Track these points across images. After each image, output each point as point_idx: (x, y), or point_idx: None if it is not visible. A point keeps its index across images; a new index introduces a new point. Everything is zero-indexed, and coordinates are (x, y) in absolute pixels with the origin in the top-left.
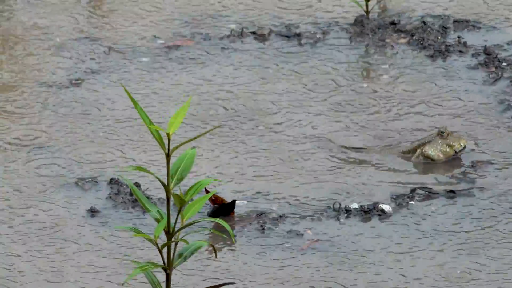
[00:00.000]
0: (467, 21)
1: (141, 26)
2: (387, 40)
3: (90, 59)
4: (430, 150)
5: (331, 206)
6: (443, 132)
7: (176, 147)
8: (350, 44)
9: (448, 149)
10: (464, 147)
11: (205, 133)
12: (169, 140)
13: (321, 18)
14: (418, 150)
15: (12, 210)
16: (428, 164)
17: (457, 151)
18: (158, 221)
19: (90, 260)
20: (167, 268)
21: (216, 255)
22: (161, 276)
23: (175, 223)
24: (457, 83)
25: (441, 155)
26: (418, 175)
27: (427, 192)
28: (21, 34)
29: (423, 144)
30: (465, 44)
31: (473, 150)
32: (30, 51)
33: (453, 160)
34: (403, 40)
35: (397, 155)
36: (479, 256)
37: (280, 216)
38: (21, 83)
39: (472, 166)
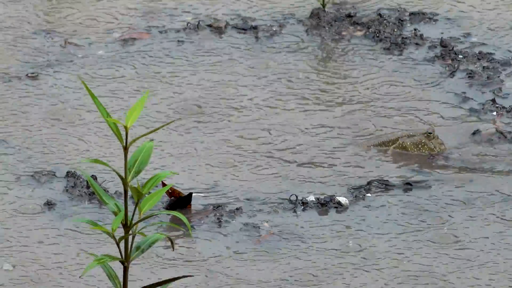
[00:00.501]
0: (423, 13)
1: (97, 19)
2: (344, 33)
3: (46, 52)
4: (410, 144)
5: (288, 199)
6: (430, 133)
7: (134, 140)
8: (306, 37)
9: (426, 151)
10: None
11: (163, 126)
12: (126, 133)
13: (278, 11)
14: (399, 140)
15: None
16: (386, 156)
17: (432, 154)
18: (115, 214)
19: (46, 253)
20: (125, 261)
21: (173, 248)
22: (119, 270)
23: (133, 216)
24: (414, 76)
25: (415, 152)
26: (376, 168)
27: (383, 185)
28: None
29: (407, 136)
30: (421, 36)
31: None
32: None
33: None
34: (359, 33)
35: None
36: (433, 248)
37: (237, 209)
38: None
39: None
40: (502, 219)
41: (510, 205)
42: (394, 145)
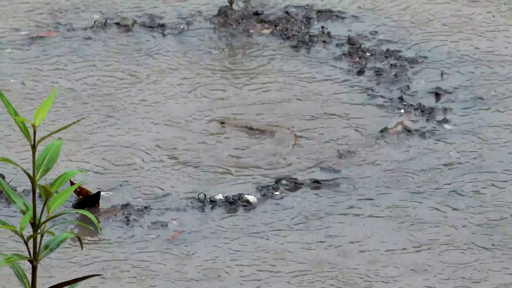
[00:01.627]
0: (330, 11)
1: (3, 16)
2: (251, 31)
3: None
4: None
5: (197, 197)
6: (223, 123)
7: (42, 139)
8: (213, 34)
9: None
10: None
11: (70, 125)
12: (34, 131)
13: (185, 8)
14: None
15: None
16: (296, 153)
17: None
18: (24, 212)
19: None
20: (33, 260)
21: (82, 247)
22: (28, 269)
23: (41, 215)
24: (321, 74)
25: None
26: (285, 166)
27: (292, 183)
28: None
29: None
30: (329, 34)
31: (338, 139)
32: None
33: (318, 150)
34: (266, 31)
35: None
36: (339, 241)
37: (145, 207)
38: None
39: (338, 156)
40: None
41: None
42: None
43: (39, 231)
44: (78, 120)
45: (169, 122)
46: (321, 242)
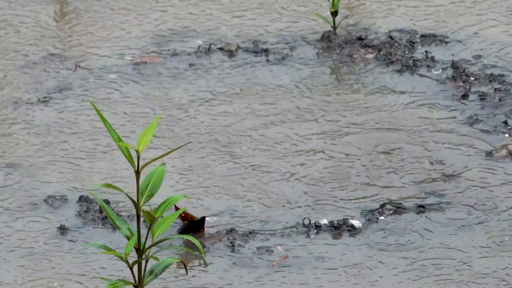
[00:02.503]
0: (434, 35)
1: (108, 43)
2: (355, 56)
3: (57, 76)
4: None
5: (301, 222)
6: None
7: (146, 164)
8: (317, 60)
9: None
10: None
11: (174, 150)
12: (138, 157)
13: (288, 33)
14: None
15: None
16: (400, 177)
17: None
18: (128, 238)
19: (60, 278)
20: (138, 286)
21: (187, 272)
22: None
23: (145, 240)
24: (425, 98)
25: None
26: (388, 189)
27: (396, 208)
28: None
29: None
30: (432, 58)
31: (443, 163)
32: None
33: (422, 174)
34: (370, 55)
35: None
36: (447, 271)
37: (250, 233)
38: None
39: (442, 180)
40: None
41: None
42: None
43: (143, 256)
44: (182, 145)
45: (271, 148)
46: (424, 266)
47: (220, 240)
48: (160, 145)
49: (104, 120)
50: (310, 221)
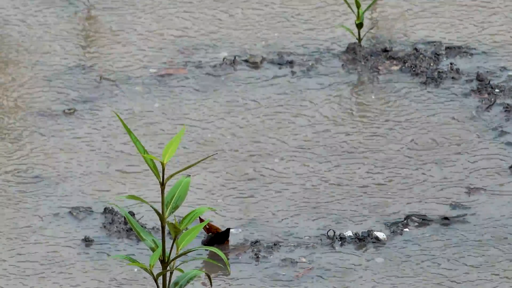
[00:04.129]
0: (459, 47)
1: (132, 55)
2: (380, 67)
3: (82, 88)
4: None
5: (326, 234)
6: None
7: (171, 176)
8: (342, 71)
9: None
10: None
11: (199, 161)
12: (163, 169)
13: (313, 45)
14: None
15: (6, 241)
16: (424, 189)
17: None
18: (153, 250)
19: None
20: None
21: (211, 284)
22: None
23: (170, 252)
24: (450, 110)
25: None
26: (412, 201)
27: (421, 219)
28: (11, 59)
29: None
30: (457, 70)
31: (467, 175)
32: (20, 78)
33: (446, 186)
34: (395, 67)
35: None
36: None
37: (274, 244)
38: (12, 111)
39: (467, 192)
40: None
41: None
42: None
43: (168, 268)
44: (207, 157)
45: (293, 158)
46: (451, 279)
47: (245, 251)
48: (184, 157)
49: (129, 132)
50: (334, 232)
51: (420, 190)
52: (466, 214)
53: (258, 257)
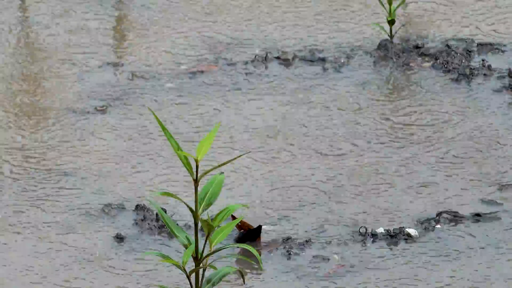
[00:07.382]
0: (491, 44)
1: (164, 52)
2: (411, 64)
3: (114, 85)
4: None
5: (358, 231)
6: None
7: (205, 173)
8: (374, 68)
9: None
10: None
11: (234, 159)
12: (197, 165)
13: (345, 42)
14: None
15: (38, 238)
16: (456, 185)
17: None
18: (186, 246)
19: (117, 286)
20: None
21: (244, 281)
22: None
23: (203, 249)
24: (482, 106)
25: None
26: (443, 198)
27: (452, 216)
28: (44, 57)
29: None
30: (489, 67)
31: (500, 171)
32: (53, 75)
33: (479, 182)
34: (427, 64)
35: None
36: (504, 280)
37: (306, 241)
38: (45, 108)
39: (499, 189)
40: None
41: None
42: None
43: (201, 265)
44: (242, 154)
45: (324, 156)
46: (484, 276)
47: (277, 248)
48: (217, 154)
49: (163, 128)
50: (366, 229)
51: (452, 186)
52: (498, 211)
53: (290, 254)
